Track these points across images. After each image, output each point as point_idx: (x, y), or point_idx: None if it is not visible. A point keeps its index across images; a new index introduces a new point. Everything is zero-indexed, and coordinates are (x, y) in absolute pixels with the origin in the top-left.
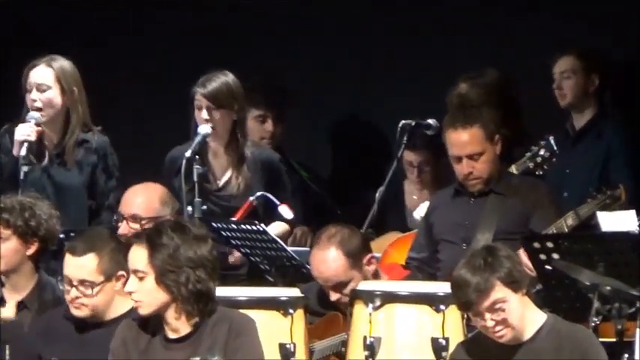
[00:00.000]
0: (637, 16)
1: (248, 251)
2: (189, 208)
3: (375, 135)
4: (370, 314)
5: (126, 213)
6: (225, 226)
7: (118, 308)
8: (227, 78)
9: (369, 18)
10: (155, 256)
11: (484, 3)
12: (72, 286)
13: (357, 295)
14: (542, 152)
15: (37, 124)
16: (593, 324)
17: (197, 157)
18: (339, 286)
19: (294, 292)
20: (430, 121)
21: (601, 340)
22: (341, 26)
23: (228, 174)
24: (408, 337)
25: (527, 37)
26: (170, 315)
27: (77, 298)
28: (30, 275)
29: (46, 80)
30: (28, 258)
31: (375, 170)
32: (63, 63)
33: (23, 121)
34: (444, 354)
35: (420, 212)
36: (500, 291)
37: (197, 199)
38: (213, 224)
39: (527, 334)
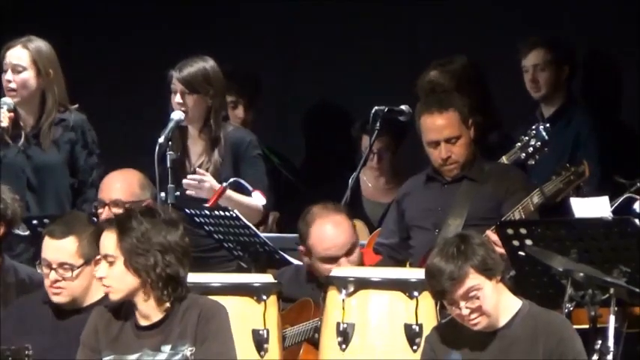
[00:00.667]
0: (600, 1)
1: (221, 237)
2: (163, 194)
3: (346, 121)
4: (343, 300)
5: (107, 199)
6: (198, 212)
7: (95, 294)
8: (205, 64)
9: (339, 4)
10: (124, 239)
11: None
12: (51, 269)
13: (330, 281)
14: (532, 142)
15: (10, 110)
16: (566, 310)
17: (170, 142)
18: (350, 251)
19: (267, 278)
20: (403, 107)
21: (574, 326)
22: (311, 12)
23: (202, 158)
24: (381, 323)
25: (494, 22)
26: (140, 300)
27: (56, 281)
28: None
29: (21, 61)
30: None
31: (345, 156)
32: (39, 44)
33: None
34: (417, 340)
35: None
36: (474, 278)
37: (170, 185)
38: (187, 210)
39: (502, 321)
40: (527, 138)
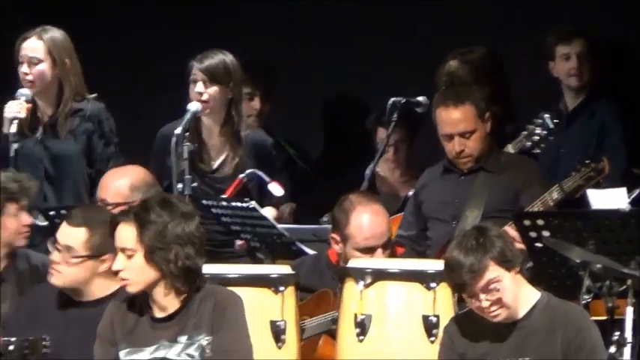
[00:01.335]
0: None
1: (238, 228)
2: (180, 186)
3: (362, 112)
4: (361, 292)
5: (98, 196)
6: (215, 203)
7: (101, 290)
8: (225, 57)
9: None
10: (144, 233)
11: None
12: (57, 249)
13: (347, 273)
14: (538, 130)
15: (28, 102)
16: (584, 302)
17: (187, 134)
18: (387, 242)
19: (285, 269)
20: (420, 98)
21: (592, 318)
22: (328, 3)
23: (224, 155)
24: (398, 314)
25: (515, 13)
26: (158, 292)
27: (57, 263)
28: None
29: (37, 53)
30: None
31: (361, 148)
32: (55, 34)
33: (12, 97)
34: (434, 331)
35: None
36: (493, 271)
37: (187, 177)
38: (204, 201)
39: (521, 312)
40: (532, 127)
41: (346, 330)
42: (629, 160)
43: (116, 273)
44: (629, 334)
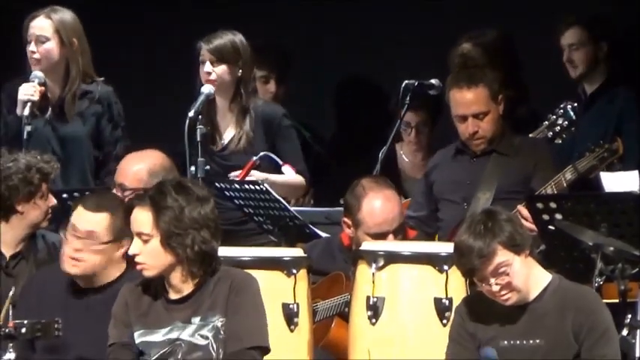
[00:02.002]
0: None
1: (251, 211)
2: (192, 168)
3: (377, 95)
4: (373, 274)
5: (116, 181)
6: (228, 185)
7: (110, 274)
8: (234, 36)
9: None
10: (161, 218)
11: None
12: (76, 237)
13: (360, 255)
14: (560, 121)
15: (41, 84)
16: (596, 284)
17: (200, 116)
18: (399, 228)
19: (298, 252)
20: (433, 81)
21: (604, 301)
22: None
23: (232, 131)
24: (411, 297)
25: None
26: (175, 276)
27: (79, 250)
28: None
29: (44, 32)
30: None
31: (376, 130)
32: (63, 14)
33: (26, 79)
34: (447, 314)
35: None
36: (502, 255)
37: (200, 159)
38: (217, 184)
39: (533, 295)
40: (554, 117)
41: (359, 312)
42: None
43: (132, 257)
44: None
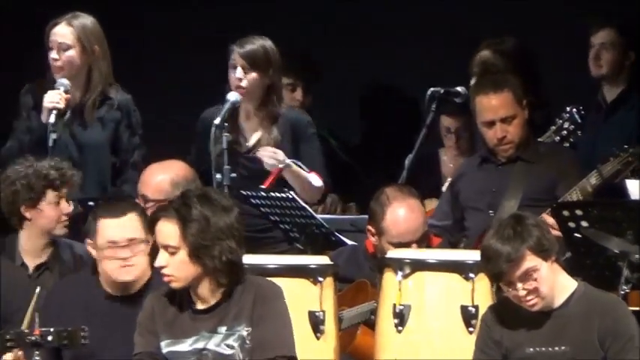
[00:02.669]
0: None
1: (277, 219)
2: (218, 176)
3: (403, 102)
4: (400, 282)
5: (139, 191)
6: (254, 193)
7: (139, 281)
8: (265, 42)
9: None
10: (187, 230)
11: None
12: (120, 247)
13: (386, 263)
14: (566, 125)
15: (66, 92)
16: (622, 292)
17: (226, 124)
18: (423, 237)
19: (324, 259)
20: (459, 88)
21: (630, 308)
22: None
23: (258, 134)
24: (437, 305)
25: (550, 4)
26: (203, 287)
27: (128, 258)
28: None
29: (66, 39)
30: None
31: (402, 137)
32: (84, 21)
33: (49, 84)
34: (473, 322)
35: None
36: (531, 260)
37: (226, 167)
38: (243, 192)
39: (558, 301)
40: (561, 121)
41: (385, 320)
42: None
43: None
44: None
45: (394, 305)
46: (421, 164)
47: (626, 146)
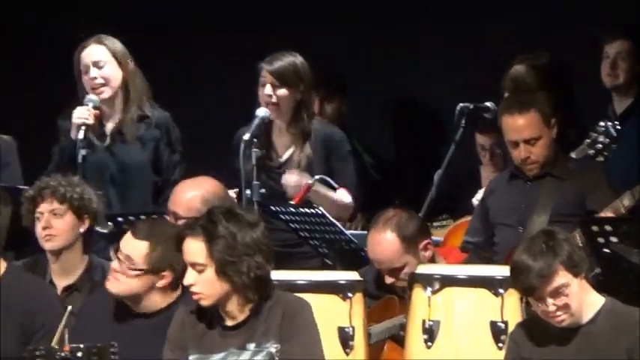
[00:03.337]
0: None
1: (307, 235)
2: (248, 192)
3: (433, 117)
4: (429, 298)
5: (170, 208)
6: (284, 209)
7: (157, 304)
8: (295, 58)
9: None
10: (214, 247)
11: None
12: (118, 258)
13: (415, 279)
14: (601, 139)
15: (95, 107)
16: None
17: (255, 140)
18: (394, 271)
19: (353, 275)
20: (488, 104)
21: None
22: (396, 8)
23: (291, 150)
24: (467, 320)
25: (581, 17)
26: (232, 304)
27: (117, 271)
28: (80, 256)
29: (101, 57)
30: (81, 235)
31: (432, 154)
32: (112, 39)
33: (80, 104)
34: (502, 337)
35: (477, 197)
36: (563, 276)
37: (255, 182)
38: (272, 207)
39: (586, 318)
40: (595, 135)
41: (414, 336)
42: None
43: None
44: None
45: (423, 321)
46: (462, 180)
47: None
